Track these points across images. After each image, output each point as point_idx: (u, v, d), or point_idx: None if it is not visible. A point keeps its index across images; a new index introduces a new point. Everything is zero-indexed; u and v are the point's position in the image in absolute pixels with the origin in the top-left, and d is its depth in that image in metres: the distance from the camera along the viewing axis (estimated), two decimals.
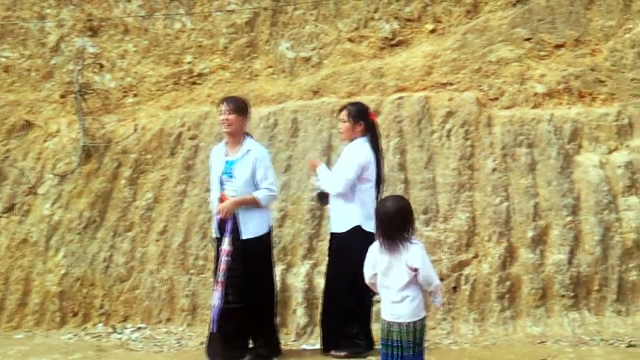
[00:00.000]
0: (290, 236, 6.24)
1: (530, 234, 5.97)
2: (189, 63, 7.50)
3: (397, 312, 3.61)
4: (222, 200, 4.91)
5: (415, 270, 3.59)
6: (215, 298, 4.75)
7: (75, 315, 6.24)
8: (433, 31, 7.33)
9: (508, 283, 5.83)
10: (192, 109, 7.12)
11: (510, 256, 5.93)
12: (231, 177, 4.88)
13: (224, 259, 4.75)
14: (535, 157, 6.33)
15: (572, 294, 5.74)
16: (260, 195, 4.86)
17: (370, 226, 4.75)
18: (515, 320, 5.72)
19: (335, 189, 4.90)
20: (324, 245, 5.96)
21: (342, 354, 4.89)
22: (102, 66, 7.51)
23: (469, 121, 6.54)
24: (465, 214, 6.14)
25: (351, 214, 4.85)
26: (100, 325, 6.16)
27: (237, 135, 4.97)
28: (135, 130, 6.93)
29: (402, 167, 6.42)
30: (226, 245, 4.76)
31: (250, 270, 4.83)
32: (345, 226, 4.86)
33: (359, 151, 4.90)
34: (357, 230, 4.81)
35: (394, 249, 3.62)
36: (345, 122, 4.96)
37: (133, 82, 7.47)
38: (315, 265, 6.04)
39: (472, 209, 6.17)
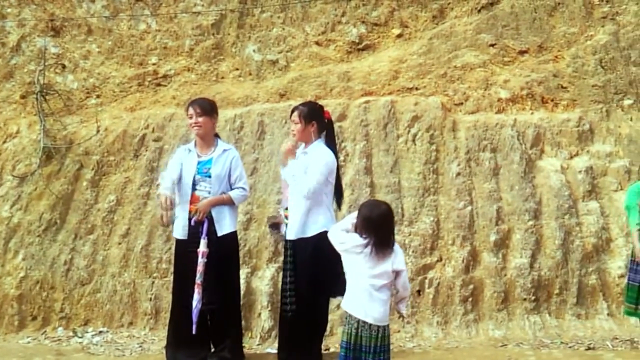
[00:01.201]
0: (255, 239, 6.21)
1: (492, 238, 6.04)
2: (154, 64, 7.41)
3: (368, 311, 3.64)
4: (192, 201, 4.87)
5: (397, 273, 3.68)
6: (194, 300, 4.72)
7: (34, 318, 6.10)
8: (399, 36, 7.38)
9: (471, 286, 5.88)
10: (156, 111, 7.04)
11: (473, 260, 6.00)
12: (207, 176, 4.86)
13: (200, 260, 4.73)
14: (498, 161, 6.42)
15: (533, 298, 5.82)
16: (234, 194, 4.91)
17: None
18: (478, 323, 5.78)
19: (304, 192, 4.68)
20: None
21: None
22: (64, 66, 7.38)
23: (433, 125, 6.60)
24: (430, 218, 6.18)
25: (318, 217, 4.71)
26: (60, 328, 6.04)
27: (208, 137, 4.98)
28: (98, 131, 6.82)
29: (368, 170, 6.44)
30: (202, 247, 4.75)
31: (222, 271, 4.83)
32: (313, 230, 4.70)
33: (327, 154, 4.77)
34: (324, 234, 4.73)
35: (385, 252, 3.65)
36: (297, 123, 4.79)
37: (96, 82, 7.35)
38: (280, 269, 5.99)
39: (436, 213, 6.22)
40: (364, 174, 6.41)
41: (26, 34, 7.50)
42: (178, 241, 4.99)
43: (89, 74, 7.39)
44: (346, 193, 6.25)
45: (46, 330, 6.03)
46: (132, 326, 6.03)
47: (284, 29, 7.49)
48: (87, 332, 5.96)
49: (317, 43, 7.42)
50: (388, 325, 3.70)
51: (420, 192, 6.31)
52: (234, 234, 4.99)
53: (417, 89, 6.97)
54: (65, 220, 6.47)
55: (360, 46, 7.39)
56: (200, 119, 4.87)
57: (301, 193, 4.69)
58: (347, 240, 3.73)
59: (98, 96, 7.30)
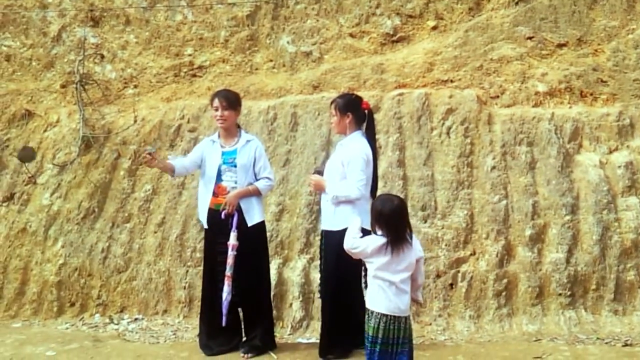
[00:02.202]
0: (287, 230, 6.24)
1: (528, 232, 5.96)
2: (190, 55, 7.49)
3: (397, 305, 3.67)
4: (217, 192, 4.91)
5: (417, 261, 3.74)
6: (224, 292, 4.77)
7: (73, 305, 6.25)
8: (434, 28, 7.32)
9: (505, 280, 5.83)
10: (191, 101, 7.12)
11: (507, 254, 5.93)
12: (233, 166, 4.92)
13: (230, 253, 4.78)
14: (535, 155, 6.33)
15: (569, 293, 5.73)
16: (261, 185, 4.97)
17: (366, 224, 4.73)
18: (511, 317, 5.72)
19: (356, 194, 4.66)
20: None
21: None
22: (102, 56, 7.51)
23: (468, 118, 6.53)
24: (463, 211, 6.14)
25: (348, 211, 4.64)
26: (97, 315, 6.17)
27: (232, 128, 5.05)
28: (135, 121, 6.93)
29: (401, 163, 6.41)
30: (233, 240, 4.80)
31: (252, 261, 4.89)
32: (342, 224, 4.55)
33: (360, 147, 4.75)
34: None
35: (402, 245, 3.68)
36: (333, 115, 4.84)
37: (133, 73, 7.46)
38: (311, 260, 6.04)
39: (470, 206, 6.17)
40: (397, 166, 6.38)
41: (66, 24, 7.64)
42: (207, 232, 5.05)
43: (127, 64, 7.50)
44: (379, 185, 6.23)
45: (84, 316, 6.17)
46: (167, 314, 6.13)
47: (318, 20, 7.49)
48: (122, 319, 6.07)
49: (351, 35, 7.40)
50: (409, 316, 3.77)
51: (454, 186, 6.26)
52: (262, 224, 5.05)
53: (452, 81, 6.90)
54: (103, 209, 6.60)
55: (394, 38, 7.35)
56: (226, 112, 4.94)
57: (350, 197, 4.68)
58: (367, 246, 3.75)
59: (135, 86, 7.41)
